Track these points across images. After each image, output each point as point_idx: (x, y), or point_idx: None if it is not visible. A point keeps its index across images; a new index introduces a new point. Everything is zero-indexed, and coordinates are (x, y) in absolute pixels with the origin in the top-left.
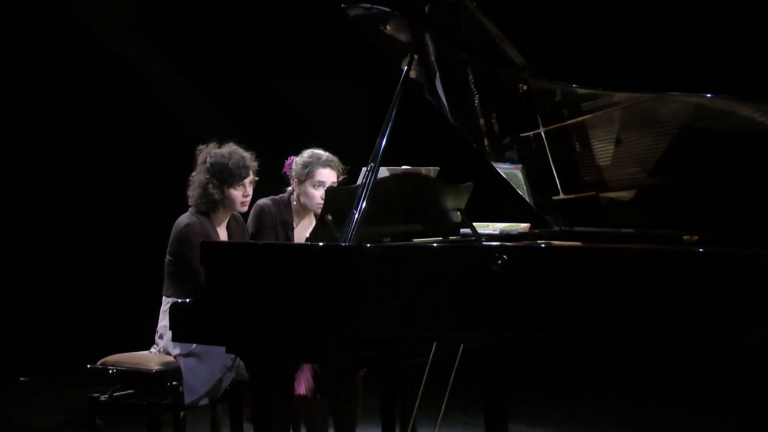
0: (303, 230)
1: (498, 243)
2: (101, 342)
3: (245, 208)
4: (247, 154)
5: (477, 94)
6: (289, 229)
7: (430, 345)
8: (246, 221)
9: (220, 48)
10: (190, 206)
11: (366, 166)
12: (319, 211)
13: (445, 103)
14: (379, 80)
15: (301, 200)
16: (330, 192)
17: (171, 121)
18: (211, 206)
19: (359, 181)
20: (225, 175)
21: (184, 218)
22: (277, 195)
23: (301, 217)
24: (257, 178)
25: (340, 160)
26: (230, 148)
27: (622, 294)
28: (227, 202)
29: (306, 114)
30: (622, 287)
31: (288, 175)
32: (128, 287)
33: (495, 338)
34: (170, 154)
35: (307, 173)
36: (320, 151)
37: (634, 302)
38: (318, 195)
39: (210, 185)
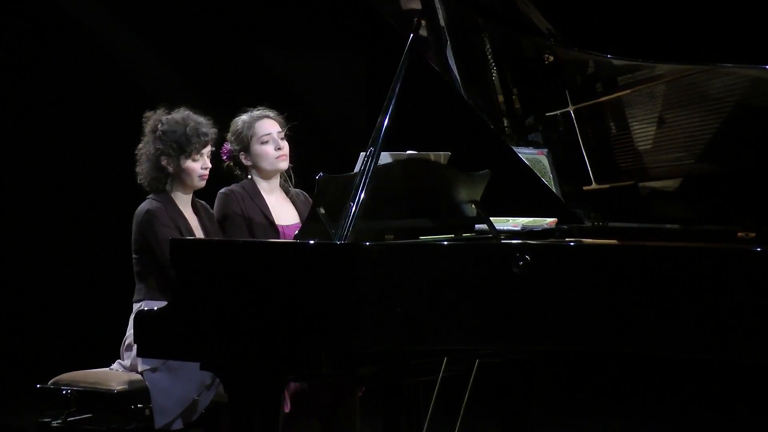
0: (281, 209)
1: (519, 241)
2: (53, 358)
3: (204, 183)
4: (203, 119)
5: (495, 66)
6: (266, 211)
7: (440, 360)
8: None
9: (202, 17)
10: (146, 190)
11: (365, 150)
12: (282, 164)
13: (458, 77)
14: (381, 50)
15: (260, 165)
16: (323, 181)
17: (142, 100)
18: (164, 182)
19: (357, 169)
20: (182, 144)
21: (143, 205)
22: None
23: (270, 194)
24: (214, 149)
25: (335, 143)
26: (183, 114)
27: (665, 300)
28: (184, 176)
29: (297, 90)
30: (665, 292)
31: (230, 163)
32: (86, 293)
33: (516, 352)
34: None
35: (248, 135)
36: (249, 111)
37: (680, 310)
38: (270, 149)
39: (163, 157)
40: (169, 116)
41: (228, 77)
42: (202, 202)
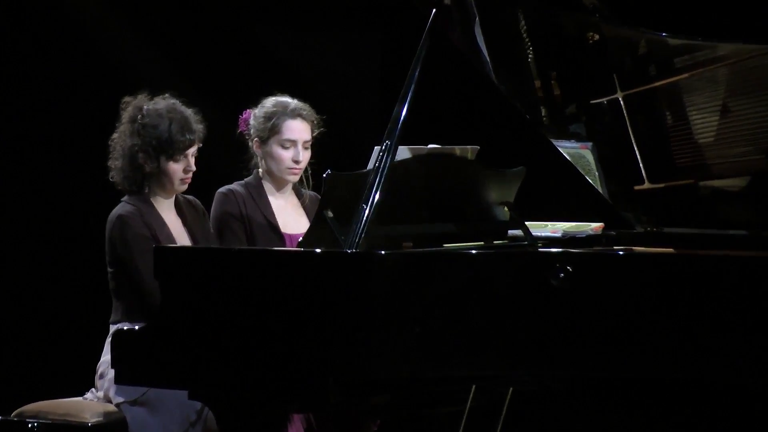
0: (289, 214)
1: (560, 249)
2: (18, 386)
3: (185, 187)
4: (190, 112)
5: (531, 46)
6: (270, 216)
7: (467, 388)
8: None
9: None
10: (119, 189)
11: (380, 144)
12: (291, 178)
13: (488, 60)
14: (398, 30)
15: (268, 164)
16: (330, 179)
17: (125, 86)
18: (140, 182)
19: (370, 165)
20: (163, 143)
21: (116, 210)
22: (242, 179)
23: (278, 197)
24: (201, 145)
25: (345, 136)
26: (168, 103)
27: (731, 319)
28: (163, 178)
29: (301, 75)
30: (731, 309)
31: (245, 135)
32: (56, 311)
33: (554, 379)
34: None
35: (272, 128)
36: (286, 99)
37: (749, 329)
38: (287, 157)
39: (141, 154)
40: (151, 106)
41: (225, 60)
42: (188, 197)
